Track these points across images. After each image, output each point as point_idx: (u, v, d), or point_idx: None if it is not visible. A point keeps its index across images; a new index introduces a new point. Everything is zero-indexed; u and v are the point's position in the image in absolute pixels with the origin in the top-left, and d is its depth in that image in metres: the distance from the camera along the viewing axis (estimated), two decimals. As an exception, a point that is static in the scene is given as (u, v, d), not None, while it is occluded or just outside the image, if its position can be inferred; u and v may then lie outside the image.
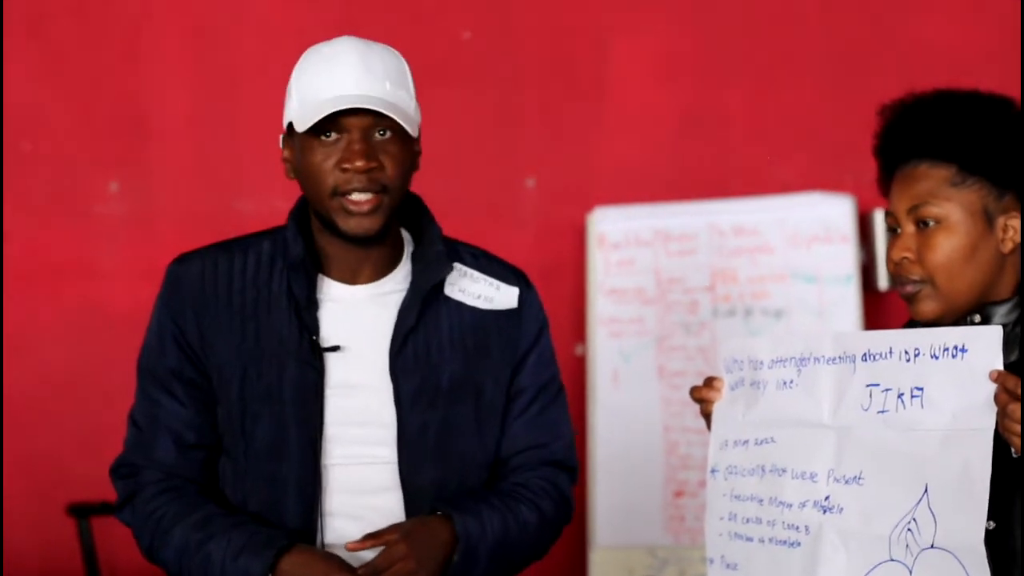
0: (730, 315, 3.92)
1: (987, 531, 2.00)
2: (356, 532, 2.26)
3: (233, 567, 2.21)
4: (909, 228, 2.10)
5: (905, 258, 2.10)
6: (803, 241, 3.88)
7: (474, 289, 2.37)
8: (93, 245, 4.18)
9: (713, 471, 2.22)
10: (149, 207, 4.18)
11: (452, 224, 4.07)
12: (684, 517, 3.85)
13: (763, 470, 2.14)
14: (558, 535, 2.44)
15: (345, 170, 2.23)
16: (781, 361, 2.13)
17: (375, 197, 2.24)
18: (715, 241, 3.96)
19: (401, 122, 2.23)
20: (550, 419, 2.41)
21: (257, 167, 4.18)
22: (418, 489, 2.28)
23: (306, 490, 2.26)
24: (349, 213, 2.25)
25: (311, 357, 2.27)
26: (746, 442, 2.17)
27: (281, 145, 2.38)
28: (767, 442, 2.14)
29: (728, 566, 2.20)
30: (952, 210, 2.07)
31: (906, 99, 2.18)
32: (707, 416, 2.23)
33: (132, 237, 4.18)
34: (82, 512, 3.84)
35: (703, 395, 2.23)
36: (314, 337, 2.27)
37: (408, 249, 2.38)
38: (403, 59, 2.31)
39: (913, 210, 2.09)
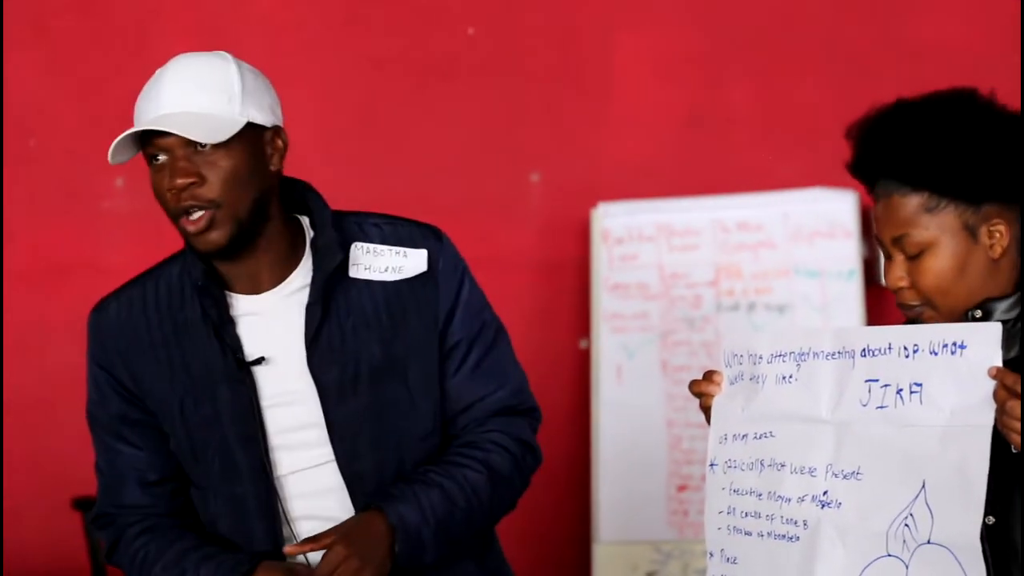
0: (733, 310, 3.93)
1: (987, 526, 2.00)
2: (321, 529, 2.26)
3: None
4: (898, 256, 2.10)
5: (900, 288, 2.10)
6: (806, 236, 3.88)
7: (379, 263, 2.33)
8: (97, 242, 4.19)
9: (712, 465, 2.22)
10: (154, 204, 4.18)
11: (457, 219, 4.08)
12: (688, 511, 3.85)
13: (762, 464, 2.14)
14: (526, 482, 2.41)
15: (171, 191, 2.22)
16: (780, 356, 2.13)
17: (206, 213, 2.22)
18: (719, 236, 3.96)
19: (198, 137, 2.18)
20: (490, 368, 2.37)
21: (262, 163, 4.19)
22: (358, 478, 2.28)
23: (265, 505, 2.27)
24: (191, 233, 2.23)
25: (239, 374, 2.27)
26: (745, 436, 2.17)
27: None
28: (766, 436, 2.14)
29: (727, 560, 2.21)
30: (933, 234, 2.06)
31: (868, 120, 2.16)
32: (706, 410, 2.23)
33: (137, 234, 4.19)
34: (86, 506, 3.85)
35: (702, 389, 2.23)
36: (238, 355, 2.27)
37: (309, 237, 2.34)
38: (229, 62, 2.27)
39: (897, 241, 2.08)
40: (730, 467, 2.19)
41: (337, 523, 2.26)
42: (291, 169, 4.44)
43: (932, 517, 1.92)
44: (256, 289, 2.31)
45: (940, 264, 2.06)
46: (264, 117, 2.27)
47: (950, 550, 1.90)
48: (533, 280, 3.98)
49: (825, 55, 4.09)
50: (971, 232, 2.07)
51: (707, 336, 3.91)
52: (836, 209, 3.85)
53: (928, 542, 1.92)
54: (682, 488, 3.88)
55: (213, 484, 2.30)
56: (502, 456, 2.35)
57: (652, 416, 3.90)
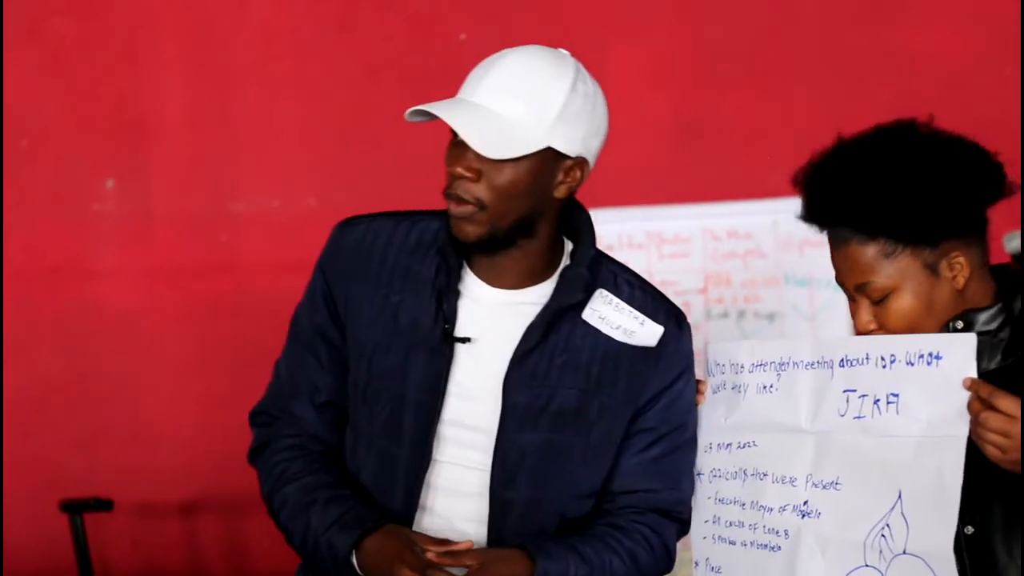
0: (723, 318, 3.93)
1: (966, 536, 2.02)
2: (442, 531, 2.23)
3: (325, 538, 2.21)
4: (863, 301, 2.10)
5: (870, 331, 2.09)
6: (796, 245, 3.88)
7: (615, 319, 2.27)
8: (90, 244, 4.20)
9: (698, 474, 2.23)
10: (146, 207, 4.19)
11: (446, 225, 4.10)
12: (675, 519, 3.86)
13: (745, 474, 2.15)
14: None
15: (449, 173, 2.20)
16: (761, 365, 2.14)
17: (471, 208, 2.18)
18: (708, 244, 3.96)
19: (481, 149, 2.15)
20: (669, 466, 2.29)
21: (253, 167, 4.19)
22: (506, 503, 2.23)
23: (414, 474, 2.23)
24: (452, 216, 2.20)
25: (442, 345, 2.23)
26: (729, 445, 2.18)
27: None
28: (749, 446, 2.15)
29: (713, 569, 2.22)
30: (895, 280, 2.06)
31: (815, 166, 2.15)
32: (691, 419, 2.24)
33: (129, 236, 4.19)
34: (75, 508, 3.86)
35: (687, 398, 2.24)
36: (447, 326, 2.23)
37: (564, 264, 2.29)
38: (566, 78, 2.20)
39: (860, 288, 2.08)
40: (715, 476, 2.20)
41: (458, 527, 2.23)
42: (289, 169, 4.43)
43: (908, 528, 1.93)
44: (495, 282, 2.26)
45: (906, 305, 2.06)
46: (569, 146, 2.18)
47: (925, 560, 1.91)
48: (523, 286, 3.98)
49: (817, 63, 4.09)
50: (932, 270, 2.06)
51: (697, 343, 3.89)
52: (826, 218, 3.85)
53: (904, 552, 1.93)
54: (670, 495, 3.88)
55: (373, 434, 2.26)
56: (648, 554, 2.29)
57: (640, 423, 3.91)
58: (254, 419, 2.37)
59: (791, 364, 2.09)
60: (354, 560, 2.18)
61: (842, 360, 2.02)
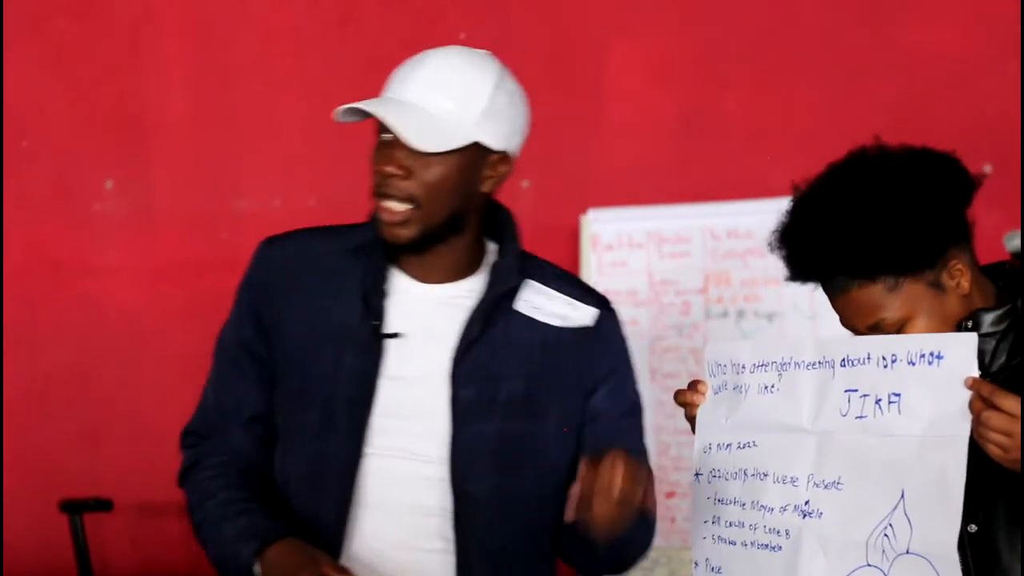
0: (723, 317, 3.93)
1: (969, 535, 2.02)
2: (390, 528, 2.26)
3: (232, 549, 2.25)
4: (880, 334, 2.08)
5: None
6: (796, 244, 3.88)
7: (549, 307, 2.34)
8: (91, 242, 4.20)
9: (697, 475, 2.23)
10: (148, 205, 4.20)
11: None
12: (675, 518, 3.85)
13: (745, 474, 2.14)
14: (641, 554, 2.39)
15: (378, 172, 2.24)
16: (762, 365, 2.13)
17: (405, 210, 2.23)
18: (708, 244, 3.97)
19: (413, 142, 2.19)
20: (632, 434, 2.38)
21: (255, 166, 4.19)
22: (469, 497, 2.26)
23: (346, 474, 2.26)
24: (382, 220, 2.25)
25: (371, 343, 2.27)
26: (729, 446, 2.18)
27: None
28: (749, 446, 2.15)
29: (713, 569, 2.21)
30: (905, 309, 2.05)
31: (792, 225, 2.12)
32: (691, 420, 2.23)
33: (130, 235, 4.20)
34: (74, 508, 3.86)
35: (687, 399, 2.23)
36: (375, 323, 2.27)
37: (490, 261, 2.35)
38: (490, 76, 2.28)
39: (873, 327, 2.07)
40: (715, 476, 2.19)
41: (408, 520, 2.26)
42: (290, 167, 4.44)
43: (911, 527, 1.93)
44: (423, 278, 2.32)
45: (922, 329, 2.05)
46: (495, 141, 2.26)
47: (928, 560, 1.90)
48: (523, 286, 3.98)
49: (819, 61, 4.09)
50: (937, 286, 2.06)
51: (696, 343, 3.91)
52: (826, 217, 3.85)
53: (907, 552, 1.93)
54: (670, 495, 3.88)
55: (305, 436, 2.29)
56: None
57: (641, 422, 3.90)
58: (183, 441, 2.41)
59: (792, 364, 2.09)
60: (257, 569, 2.21)
61: (843, 360, 2.02)
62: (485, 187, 2.28)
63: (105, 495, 3.89)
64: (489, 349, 2.28)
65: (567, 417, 2.33)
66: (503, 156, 2.28)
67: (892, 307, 2.05)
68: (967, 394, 1.90)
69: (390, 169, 2.21)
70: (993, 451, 1.90)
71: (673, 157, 4.10)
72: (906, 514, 1.93)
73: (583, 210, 4.05)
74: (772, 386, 2.11)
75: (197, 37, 4.22)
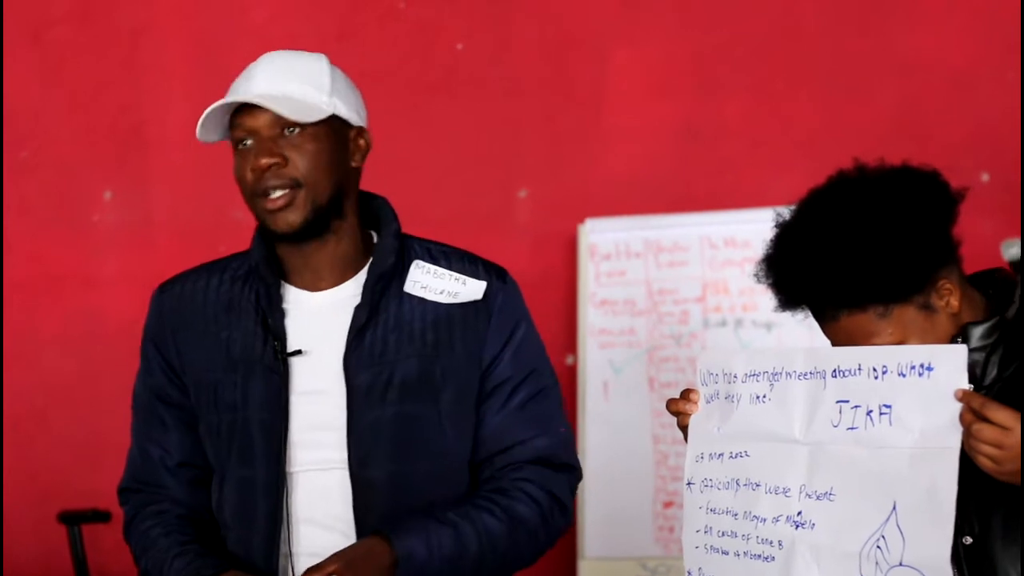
0: (721, 326, 3.93)
1: (965, 547, 2.02)
2: (323, 540, 2.29)
3: None
4: None
5: None
6: (794, 253, 3.88)
7: (437, 285, 2.37)
8: (92, 253, 4.20)
9: (689, 484, 2.22)
10: (147, 216, 4.20)
11: (444, 233, 4.04)
12: (674, 528, 3.85)
13: (737, 484, 2.14)
14: (551, 540, 2.39)
15: (254, 171, 2.29)
16: (754, 375, 2.13)
17: (287, 193, 2.29)
18: (706, 253, 3.97)
19: (286, 114, 2.27)
20: (535, 413, 2.38)
21: (253, 176, 4.19)
22: (368, 483, 2.28)
23: (272, 493, 2.29)
24: (269, 212, 2.30)
25: (275, 363, 2.31)
26: (721, 455, 2.18)
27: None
28: (741, 456, 2.15)
29: (706, 578, 2.21)
30: (896, 334, 2.05)
31: (778, 256, 2.12)
32: (684, 428, 2.23)
33: (130, 245, 4.20)
34: (72, 520, 3.86)
35: (679, 408, 2.23)
36: (277, 343, 2.31)
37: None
38: (323, 61, 2.38)
39: None
40: (707, 486, 2.19)
41: (336, 529, 2.29)
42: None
43: (903, 539, 1.92)
44: (314, 286, 2.36)
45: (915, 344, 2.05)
46: (350, 115, 2.36)
47: (921, 572, 1.90)
48: (520, 295, 3.98)
49: (818, 70, 4.09)
50: (927, 308, 2.06)
51: (694, 352, 3.91)
52: (824, 226, 3.84)
53: (900, 564, 1.92)
54: (668, 504, 3.88)
55: (229, 466, 2.33)
56: (529, 508, 2.34)
57: (638, 432, 3.90)
58: (120, 499, 2.46)
59: (784, 374, 2.09)
60: None
61: (835, 371, 2.02)
62: (355, 161, 2.37)
63: (103, 506, 3.89)
64: (380, 334, 2.31)
65: (463, 394, 2.34)
66: (360, 130, 2.38)
67: (884, 332, 2.05)
68: (958, 406, 1.89)
69: (266, 160, 2.28)
70: (984, 463, 1.89)
71: (671, 166, 4.10)
72: (898, 526, 1.93)
73: (581, 219, 4.05)
74: (764, 396, 2.11)
75: (197, 49, 4.22)
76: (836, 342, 2.10)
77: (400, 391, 2.30)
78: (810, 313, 2.13)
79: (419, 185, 4.13)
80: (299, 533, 2.30)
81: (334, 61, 4.18)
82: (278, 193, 2.29)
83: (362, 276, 2.36)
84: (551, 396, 2.40)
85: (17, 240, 4.19)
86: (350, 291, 2.36)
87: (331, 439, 2.30)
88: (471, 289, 2.37)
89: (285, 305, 2.35)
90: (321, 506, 2.30)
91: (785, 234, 2.12)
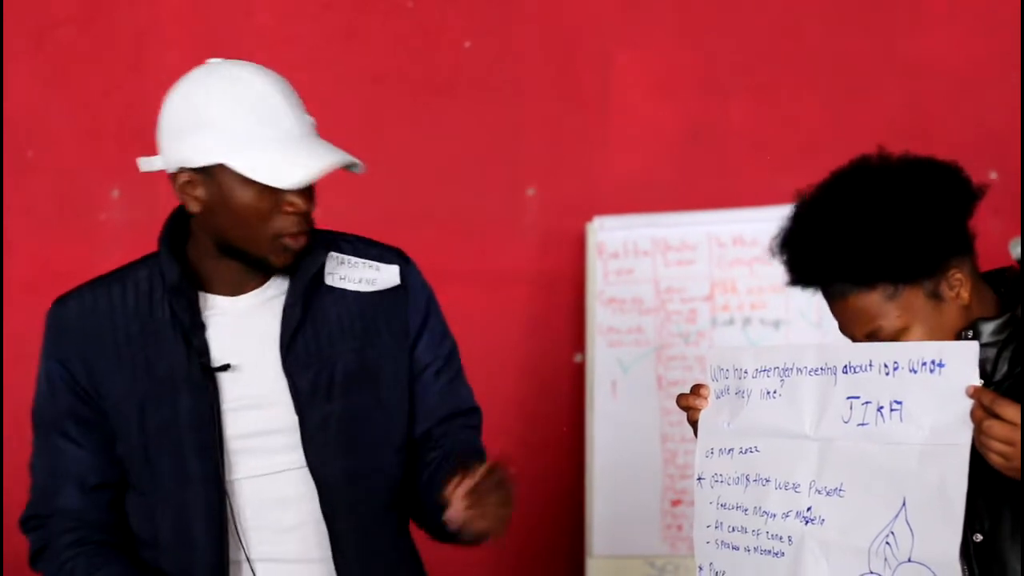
0: (729, 325, 3.93)
1: (975, 544, 2.02)
2: (277, 544, 2.29)
3: None
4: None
5: None
6: (802, 251, 3.88)
7: (354, 274, 2.39)
8: (96, 253, 4.20)
9: (699, 479, 2.23)
10: (152, 215, 4.18)
11: (453, 232, 4.10)
12: (682, 526, 3.85)
13: (747, 479, 2.15)
14: None
15: (297, 212, 2.28)
16: (765, 371, 2.13)
17: (306, 235, 2.31)
18: (714, 251, 3.97)
19: (358, 171, 2.36)
20: (458, 388, 2.46)
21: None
22: (329, 482, 2.29)
23: (213, 512, 2.27)
24: (288, 250, 2.28)
25: (203, 380, 2.28)
26: (731, 451, 2.18)
27: (181, 176, 2.37)
28: (751, 451, 2.15)
29: (716, 573, 2.21)
30: (903, 318, 2.06)
31: (793, 230, 2.13)
32: (693, 424, 2.24)
33: (135, 245, 4.17)
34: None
35: (689, 403, 2.24)
36: (203, 359, 2.28)
37: None
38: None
39: (870, 335, 2.07)
40: (717, 481, 2.20)
41: (288, 534, 2.29)
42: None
43: (912, 535, 1.92)
44: (237, 291, 2.33)
45: (919, 335, 2.06)
46: None
47: (930, 569, 1.90)
48: (528, 294, 3.98)
49: (822, 71, 4.09)
50: (936, 296, 2.06)
51: (702, 351, 3.90)
52: (831, 224, 3.84)
53: (909, 560, 1.93)
54: (676, 503, 3.88)
55: (163, 490, 2.29)
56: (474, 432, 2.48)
57: (647, 431, 3.90)
58: (25, 526, 2.39)
59: (795, 370, 2.09)
60: None
61: (846, 367, 2.02)
62: None
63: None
64: (313, 334, 2.32)
65: (398, 376, 2.37)
66: None
67: (890, 315, 2.06)
68: (968, 402, 1.89)
69: (309, 207, 2.29)
70: (994, 460, 1.89)
71: (678, 165, 4.10)
72: (908, 522, 1.93)
73: (589, 218, 4.05)
74: (774, 392, 2.11)
75: (202, 48, 4.21)
76: (843, 322, 2.10)
77: (343, 386, 2.32)
78: (820, 293, 2.13)
79: (426, 184, 4.13)
80: (250, 540, 2.28)
81: (341, 61, 4.21)
82: (303, 237, 2.29)
83: (279, 276, 2.34)
84: (457, 354, 2.49)
85: (22, 239, 4.19)
86: (272, 292, 2.34)
87: (281, 442, 2.29)
88: (386, 275, 2.40)
89: (207, 313, 2.31)
90: (271, 512, 2.29)
91: (804, 210, 2.13)
